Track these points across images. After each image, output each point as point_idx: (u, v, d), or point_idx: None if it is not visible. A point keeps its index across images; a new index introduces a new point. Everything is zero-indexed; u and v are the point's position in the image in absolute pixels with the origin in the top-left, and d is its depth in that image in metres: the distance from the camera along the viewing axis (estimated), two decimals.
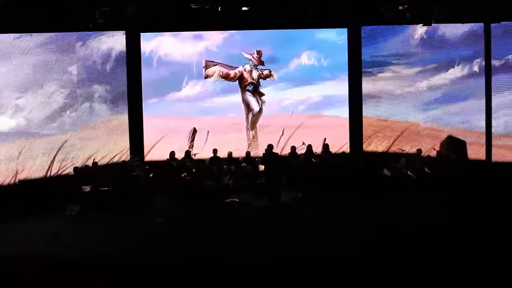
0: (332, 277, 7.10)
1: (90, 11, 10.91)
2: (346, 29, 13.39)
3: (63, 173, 11.86)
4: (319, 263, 7.57)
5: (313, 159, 12.30)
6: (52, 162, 11.77)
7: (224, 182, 11.72)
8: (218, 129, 13.31)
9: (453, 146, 11.99)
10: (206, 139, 13.22)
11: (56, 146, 11.85)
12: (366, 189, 11.12)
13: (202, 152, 12.80)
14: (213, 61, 13.30)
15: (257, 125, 13.55)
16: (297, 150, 12.54)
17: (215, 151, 12.58)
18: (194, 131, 13.29)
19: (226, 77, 13.37)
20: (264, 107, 13.54)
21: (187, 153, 12.42)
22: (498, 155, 12.25)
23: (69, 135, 12.04)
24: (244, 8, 11.56)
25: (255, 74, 13.43)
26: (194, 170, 11.81)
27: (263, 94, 13.51)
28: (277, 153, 12.35)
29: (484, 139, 12.38)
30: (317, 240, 8.76)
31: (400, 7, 11.54)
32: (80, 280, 7.08)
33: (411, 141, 13.10)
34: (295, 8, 11.60)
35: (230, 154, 12.71)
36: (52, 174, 11.75)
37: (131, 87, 12.86)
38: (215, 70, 13.30)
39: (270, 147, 12.10)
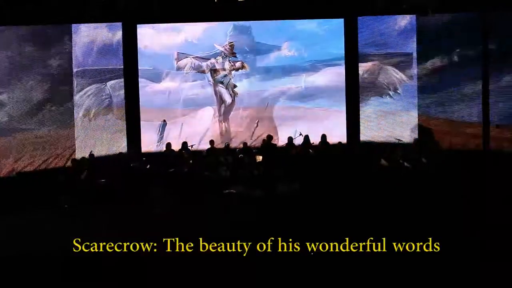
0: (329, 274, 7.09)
1: (85, 2, 10.89)
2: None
3: (59, 165, 11.89)
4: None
5: (310, 150, 12.31)
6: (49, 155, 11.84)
7: (221, 173, 11.75)
8: (197, 121, 13.29)
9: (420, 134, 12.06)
10: (181, 131, 13.22)
11: (52, 140, 11.89)
12: (363, 179, 11.12)
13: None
14: (185, 53, 13.25)
15: (229, 116, 13.49)
16: (294, 140, 12.55)
17: (212, 142, 12.59)
18: (164, 124, 13.26)
19: (198, 69, 13.32)
20: (242, 99, 13.45)
21: (184, 144, 12.43)
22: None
23: (62, 128, 12.06)
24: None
25: (227, 65, 13.36)
26: (191, 161, 11.84)
27: (235, 86, 13.45)
28: (275, 144, 12.34)
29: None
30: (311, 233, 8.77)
31: None
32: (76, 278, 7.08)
33: (406, 132, 13.10)
34: None
35: (227, 145, 12.73)
36: (48, 167, 11.76)
37: (127, 79, 12.92)
38: (187, 62, 13.26)
39: (269, 137, 12.10)
